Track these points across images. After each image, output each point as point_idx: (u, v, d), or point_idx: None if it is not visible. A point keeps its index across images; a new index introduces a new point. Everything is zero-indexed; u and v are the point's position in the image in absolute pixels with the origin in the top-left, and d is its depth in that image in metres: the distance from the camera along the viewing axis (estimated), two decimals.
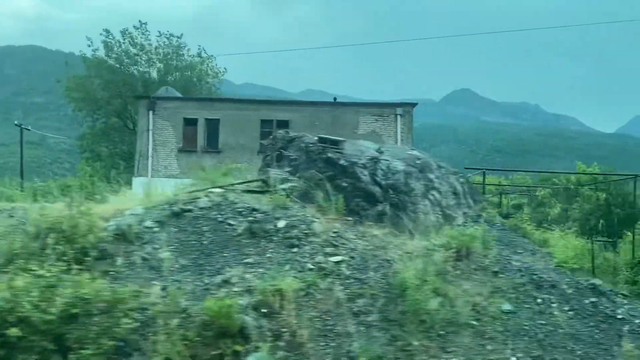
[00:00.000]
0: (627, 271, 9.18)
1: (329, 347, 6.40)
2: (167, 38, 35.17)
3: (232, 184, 10.39)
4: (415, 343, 6.64)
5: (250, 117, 23.48)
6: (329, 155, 10.47)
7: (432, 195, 10.43)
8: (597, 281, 8.28)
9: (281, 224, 8.50)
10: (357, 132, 23.46)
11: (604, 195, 26.60)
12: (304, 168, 10.66)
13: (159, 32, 35.20)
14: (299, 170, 10.68)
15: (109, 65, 33.01)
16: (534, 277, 8.08)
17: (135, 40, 34.00)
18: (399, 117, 23.30)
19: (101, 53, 33.69)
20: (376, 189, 10.12)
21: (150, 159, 23.15)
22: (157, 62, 34.32)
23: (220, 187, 10.05)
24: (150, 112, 23.72)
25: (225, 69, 37.09)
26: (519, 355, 6.67)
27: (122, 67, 33.31)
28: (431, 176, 10.68)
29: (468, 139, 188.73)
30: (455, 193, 11.01)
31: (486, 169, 16.40)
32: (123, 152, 32.15)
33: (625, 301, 8.07)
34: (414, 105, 24.26)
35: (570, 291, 7.89)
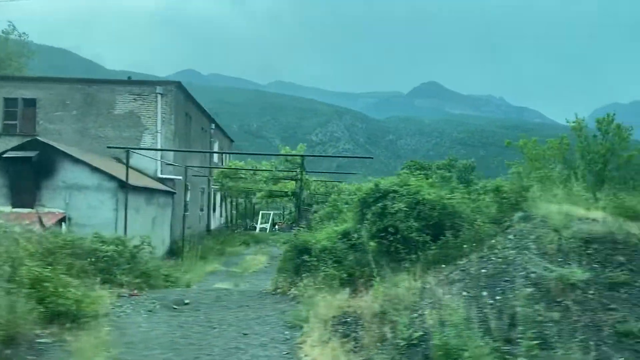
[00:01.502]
0: None
1: None
2: None
3: None
4: None
5: None
6: None
7: None
8: None
9: None
10: (114, 112, 21.82)
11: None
12: None
13: None
14: None
15: None
16: None
17: None
18: (159, 96, 21.66)
19: None
20: None
21: None
22: None
23: None
24: None
25: None
26: None
27: None
28: None
29: (433, 132, 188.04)
30: None
31: (131, 149, 14.91)
32: None
33: None
34: (177, 83, 22.59)
35: None
